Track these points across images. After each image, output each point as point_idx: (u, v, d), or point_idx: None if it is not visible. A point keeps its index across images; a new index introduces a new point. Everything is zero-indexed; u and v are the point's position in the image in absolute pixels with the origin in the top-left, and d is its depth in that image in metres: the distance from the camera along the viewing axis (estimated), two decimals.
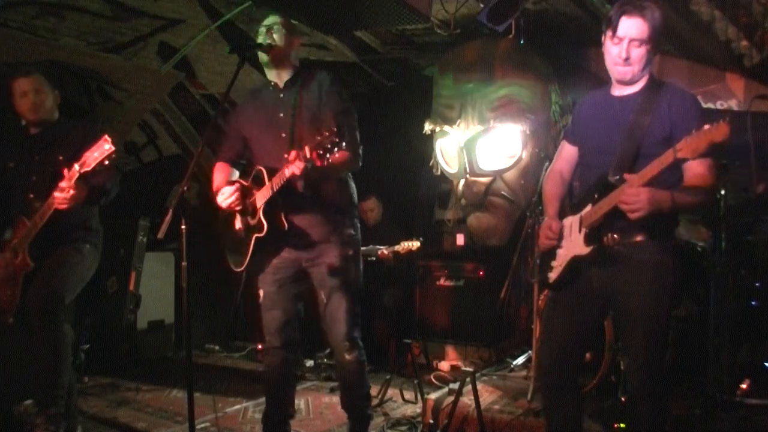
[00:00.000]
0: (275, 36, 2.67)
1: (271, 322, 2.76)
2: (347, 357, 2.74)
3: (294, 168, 2.37)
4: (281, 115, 2.68)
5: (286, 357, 2.78)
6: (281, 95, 2.73)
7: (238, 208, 2.68)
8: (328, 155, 2.30)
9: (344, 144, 2.52)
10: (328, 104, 2.64)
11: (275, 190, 2.52)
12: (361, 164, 2.73)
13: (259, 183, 2.64)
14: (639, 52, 2.14)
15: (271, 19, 2.74)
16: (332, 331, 2.74)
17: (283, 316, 2.75)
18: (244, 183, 2.74)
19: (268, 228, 2.59)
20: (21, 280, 2.92)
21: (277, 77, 2.75)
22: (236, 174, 2.88)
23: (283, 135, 2.65)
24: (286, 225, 2.63)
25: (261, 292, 2.79)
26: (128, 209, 4.48)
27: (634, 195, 2.02)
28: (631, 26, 2.12)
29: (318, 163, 2.32)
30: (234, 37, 4.54)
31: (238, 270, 2.76)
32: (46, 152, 3.02)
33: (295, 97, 2.68)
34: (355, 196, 2.86)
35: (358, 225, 2.84)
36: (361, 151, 2.72)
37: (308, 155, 2.31)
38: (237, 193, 2.65)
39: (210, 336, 5.69)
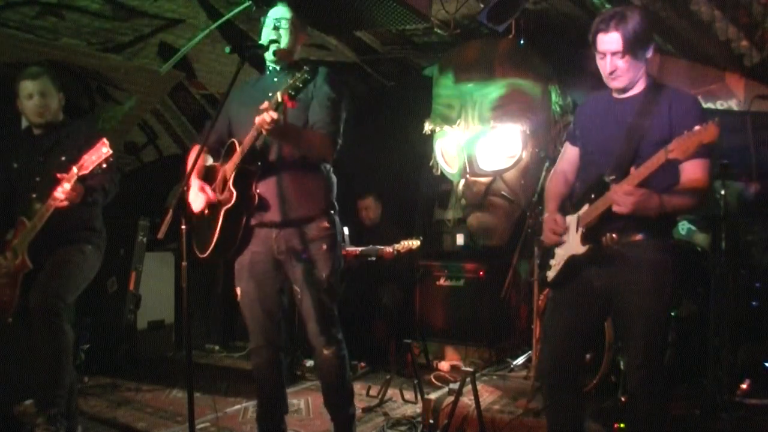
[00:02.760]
0: (282, 32, 2.65)
1: (252, 321, 2.69)
2: (325, 352, 2.64)
3: (265, 115, 2.29)
4: (270, 94, 2.59)
5: (272, 355, 2.72)
6: (275, 79, 2.70)
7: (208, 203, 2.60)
8: (299, 95, 2.27)
9: (323, 124, 2.54)
10: (319, 94, 2.60)
11: (246, 148, 2.46)
12: (334, 156, 2.65)
13: (230, 157, 2.59)
14: (623, 63, 2.18)
15: (280, 13, 2.68)
16: (308, 326, 2.65)
17: (264, 313, 2.67)
18: (215, 164, 2.70)
19: (237, 198, 2.50)
20: (20, 281, 2.92)
21: (275, 64, 2.73)
22: (210, 159, 2.82)
23: None
24: (256, 197, 2.55)
25: (238, 290, 2.71)
26: (128, 209, 4.48)
27: (624, 194, 2.03)
28: (608, 41, 2.17)
29: (289, 104, 2.27)
30: (234, 37, 4.54)
31: (203, 256, 2.64)
32: (50, 153, 3.03)
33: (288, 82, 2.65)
34: (334, 190, 2.76)
35: (336, 220, 2.72)
36: (339, 142, 2.64)
37: (279, 99, 2.27)
38: (204, 195, 2.58)
39: (210, 336, 5.69)
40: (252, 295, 2.67)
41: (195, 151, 2.70)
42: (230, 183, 2.54)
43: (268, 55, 2.69)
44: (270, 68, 2.75)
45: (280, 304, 2.72)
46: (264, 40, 2.67)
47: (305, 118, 2.60)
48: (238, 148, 2.53)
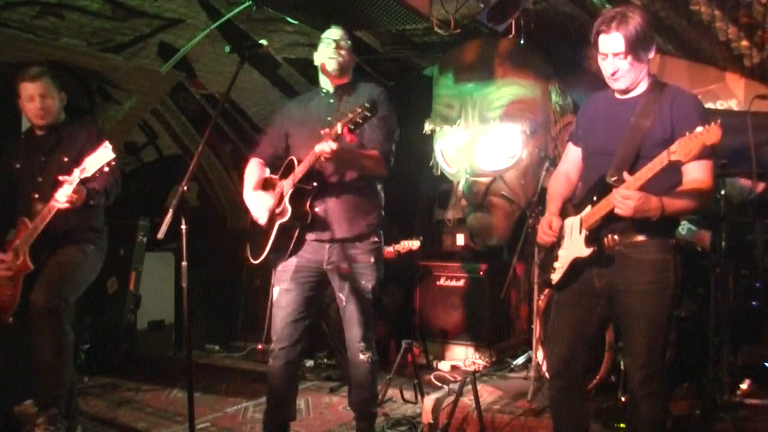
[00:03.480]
0: (343, 52, 2.76)
1: (283, 321, 2.74)
2: (361, 357, 2.76)
3: (324, 146, 2.40)
4: (328, 118, 2.72)
5: (291, 359, 2.76)
6: (331, 101, 2.81)
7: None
8: (358, 130, 2.39)
9: (377, 144, 2.67)
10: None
11: (304, 171, 2.58)
12: (389, 172, 2.78)
13: (288, 174, 2.71)
14: (625, 64, 2.17)
15: (339, 33, 2.80)
16: (349, 332, 2.78)
17: (295, 316, 2.73)
18: (273, 176, 2.84)
19: (292, 214, 2.62)
20: (21, 281, 2.92)
21: (330, 86, 2.83)
22: (267, 171, 2.93)
23: None
24: (309, 214, 2.67)
25: (276, 290, 2.79)
26: (128, 209, 4.48)
27: (625, 197, 2.03)
28: (609, 43, 2.16)
29: (348, 139, 2.39)
30: (234, 37, 4.54)
31: (256, 262, 2.78)
32: (52, 154, 3.03)
33: (343, 103, 2.76)
34: (382, 205, 2.89)
35: (382, 233, 2.87)
36: (391, 160, 2.78)
37: (339, 131, 2.38)
38: (268, 211, 2.69)
39: (210, 336, 5.69)
40: (291, 297, 2.75)
41: (251, 163, 2.89)
42: (286, 199, 2.65)
43: (328, 71, 2.76)
44: (324, 90, 2.84)
45: (311, 312, 2.81)
46: (322, 58, 2.77)
47: (360, 137, 2.67)
48: (297, 167, 2.64)
